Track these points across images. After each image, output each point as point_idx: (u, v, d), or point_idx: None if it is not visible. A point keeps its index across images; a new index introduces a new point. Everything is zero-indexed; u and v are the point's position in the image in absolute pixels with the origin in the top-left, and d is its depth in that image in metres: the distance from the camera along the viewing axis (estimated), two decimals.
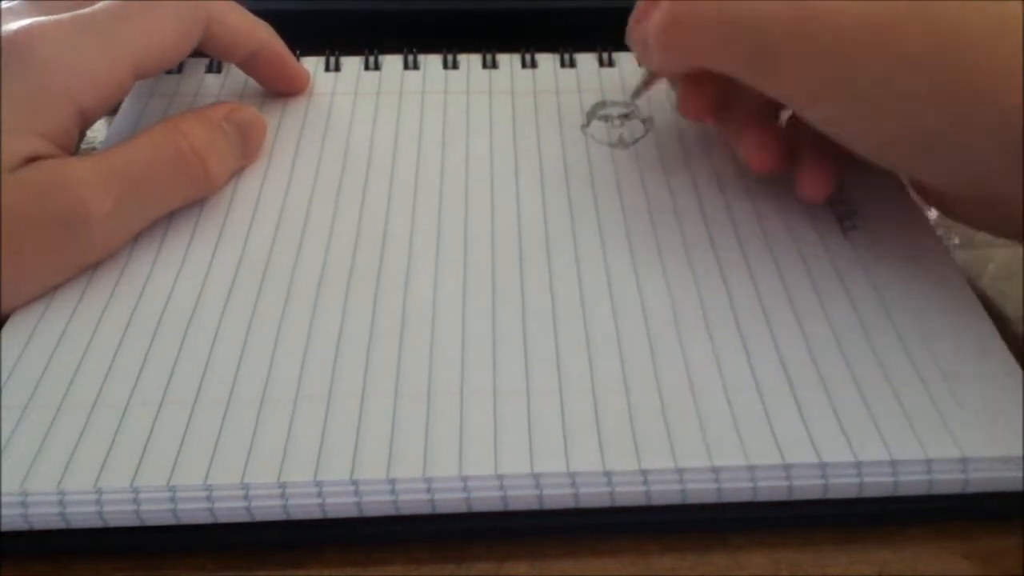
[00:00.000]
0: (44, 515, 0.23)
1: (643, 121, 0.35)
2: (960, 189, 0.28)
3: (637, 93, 0.35)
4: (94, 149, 0.36)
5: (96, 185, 0.28)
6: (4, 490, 0.23)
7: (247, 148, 0.33)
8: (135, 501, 0.23)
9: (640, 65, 0.34)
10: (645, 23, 0.30)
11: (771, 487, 0.23)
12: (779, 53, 0.26)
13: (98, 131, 0.37)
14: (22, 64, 0.28)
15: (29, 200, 0.27)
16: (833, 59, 0.26)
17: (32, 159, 0.27)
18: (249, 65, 0.36)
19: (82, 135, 0.30)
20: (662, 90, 0.37)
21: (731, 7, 0.27)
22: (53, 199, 0.27)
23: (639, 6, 0.33)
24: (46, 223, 0.27)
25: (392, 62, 0.39)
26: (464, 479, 0.23)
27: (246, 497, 0.23)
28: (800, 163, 0.31)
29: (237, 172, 0.33)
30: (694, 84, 0.32)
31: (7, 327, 0.27)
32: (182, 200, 0.31)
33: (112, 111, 0.35)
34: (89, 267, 0.29)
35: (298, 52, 0.38)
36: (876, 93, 0.26)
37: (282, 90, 0.37)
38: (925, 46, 0.25)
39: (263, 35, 0.35)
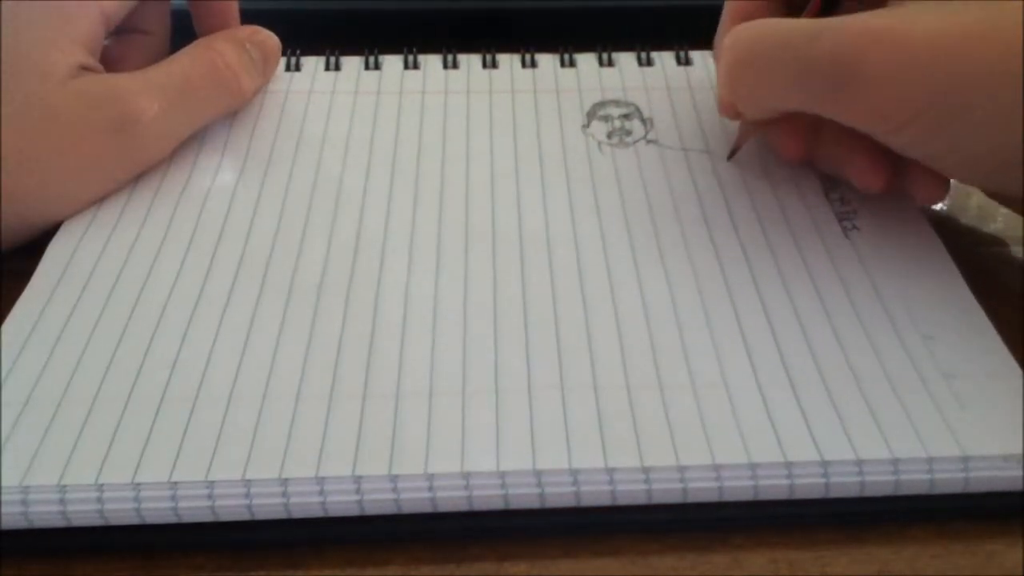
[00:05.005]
0: (44, 512, 0.23)
1: (643, 121, 0.35)
2: None
3: (733, 153, 0.33)
4: None
5: (142, 93, 0.30)
6: (4, 485, 0.23)
7: (266, 68, 0.36)
8: (136, 499, 0.23)
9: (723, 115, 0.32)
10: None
11: (773, 485, 0.23)
12: (858, 84, 0.25)
13: None
14: None
15: (82, 109, 0.29)
16: (917, 83, 0.25)
17: (80, 69, 0.29)
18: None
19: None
20: (662, 88, 0.37)
21: (797, 40, 0.26)
22: (104, 107, 0.29)
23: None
24: (99, 130, 0.29)
25: (392, 62, 0.39)
26: (466, 476, 0.23)
27: (247, 495, 0.23)
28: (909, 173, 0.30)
29: (261, 88, 0.36)
30: (787, 129, 0.31)
31: (8, 323, 0.27)
32: (221, 110, 0.34)
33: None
34: (138, 172, 0.31)
35: (298, 52, 0.38)
36: (963, 111, 0.25)
37: (215, 26, 0.36)
38: (1009, 55, 0.24)
39: None
